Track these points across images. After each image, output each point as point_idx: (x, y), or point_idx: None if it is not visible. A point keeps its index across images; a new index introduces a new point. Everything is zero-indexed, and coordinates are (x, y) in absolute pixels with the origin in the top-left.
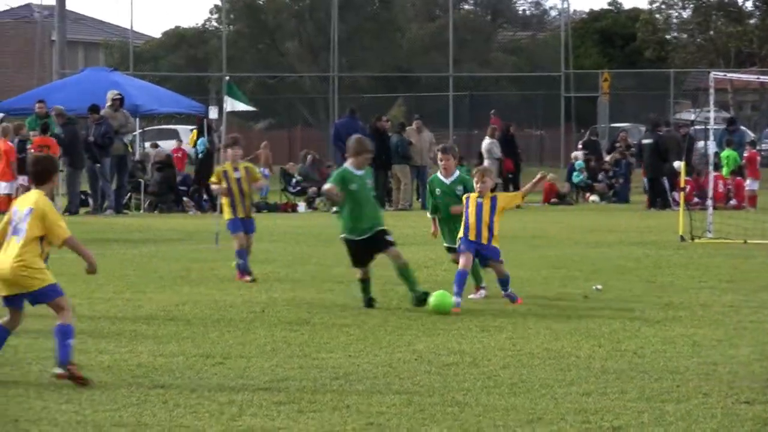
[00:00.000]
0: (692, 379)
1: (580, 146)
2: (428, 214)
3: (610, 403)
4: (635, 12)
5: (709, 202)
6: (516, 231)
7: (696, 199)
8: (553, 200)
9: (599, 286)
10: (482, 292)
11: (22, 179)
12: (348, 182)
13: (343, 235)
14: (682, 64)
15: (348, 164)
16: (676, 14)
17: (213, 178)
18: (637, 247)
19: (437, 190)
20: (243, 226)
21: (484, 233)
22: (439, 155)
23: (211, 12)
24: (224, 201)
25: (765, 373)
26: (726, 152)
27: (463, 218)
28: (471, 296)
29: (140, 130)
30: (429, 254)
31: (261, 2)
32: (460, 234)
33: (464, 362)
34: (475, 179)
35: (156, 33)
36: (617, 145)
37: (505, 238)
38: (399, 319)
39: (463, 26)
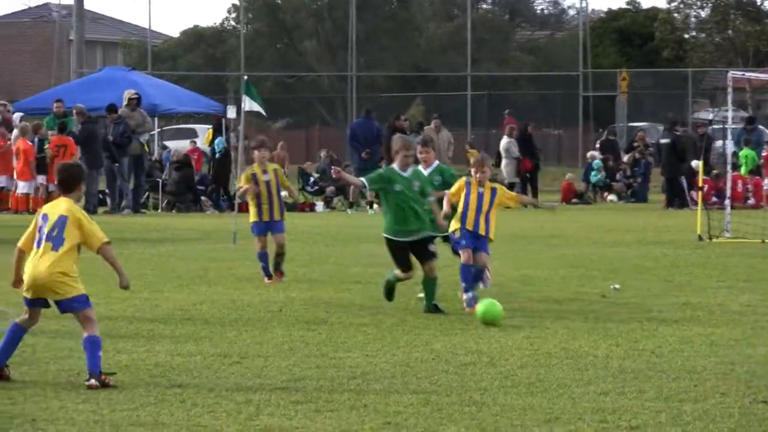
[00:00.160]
0: (710, 379)
1: (597, 146)
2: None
3: (627, 402)
4: (654, 11)
5: (727, 202)
6: (534, 230)
7: (714, 199)
8: (574, 200)
9: (617, 286)
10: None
11: (42, 179)
12: (392, 182)
13: (385, 235)
14: (701, 63)
15: (394, 164)
16: (695, 13)
17: (242, 181)
18: (655, 246)
19: (415, 183)
20: (270, 227)
21: (482, 224)
22: (419, 148)
23: (229, 11)
24: (251, 203)
25: None
26: (744, 151)
27: (462, 206)
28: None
29: (158, 130)
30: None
31: (279, 1)
32: (457, 225)
33: (482, 362)
34: (474, 168)
35: (174, 32)
36: (635, 144)
37: (523, 238)
38: (416, 319)
39: (481, 25)
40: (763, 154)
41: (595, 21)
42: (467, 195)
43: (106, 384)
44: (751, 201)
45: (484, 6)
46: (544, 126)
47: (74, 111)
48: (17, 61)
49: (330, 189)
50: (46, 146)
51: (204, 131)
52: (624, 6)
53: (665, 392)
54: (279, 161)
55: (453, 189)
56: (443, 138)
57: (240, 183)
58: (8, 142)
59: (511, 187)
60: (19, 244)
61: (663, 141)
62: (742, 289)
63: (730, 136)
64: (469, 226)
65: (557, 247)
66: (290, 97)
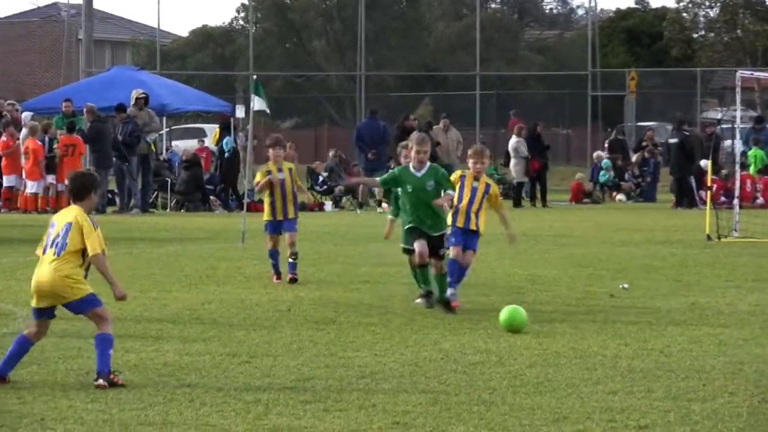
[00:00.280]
0: (718, 378)
1: (606, 145)
2: (389, 216)
3: (636, 402)
4: (662, 11)
5: (736, 201)
6: (542, 230)
7: (723, 198)
8: (585, 200)
9: (626, 285)
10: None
11: (51, 179)
12: (403, 183)
13: (406, 226)
14: (709, 63)
15: (409, 163)
16: (703, 13)
17: (258, 178)
18: (663, 246)
19: (408, 187)
20: (283, 226)
21: (473, 219)
22: (416, 147)
23: (238, 11)
24: (265, 201)
25: None
26: (753, 151)
27: (455, 201)
28: (417, 301)
29: (167, 129)
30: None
31: (288, 1)
32: (449, 221)
33: (490, 361)
34: (474, 159)
35: (183, 32)
36: (644, 144)
37: (532, 237)
38: (425, 318)
39: (490, 25)
40: None
41: (604, 20)
42: (461, 189)
43: (115, 383)
44: (760, 200)
45: (493, 5)
46: (552, 125)
47: (85, 109)
48: (26, 60)
49: (339, 188)
50: (56, 146)
51: (212, 131)
52: (633, 5)
53: (674, 392)
54: (288, 161)
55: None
56: (452, 137)
57: (257, 179)
58: (16, 142)
59: (520, 186)
60: (36, 251)
61: (672, 141)
62: (751, 289)
63: (738, 136)
64: (460, 223)
65: (566, 247)
66: (299, 97)
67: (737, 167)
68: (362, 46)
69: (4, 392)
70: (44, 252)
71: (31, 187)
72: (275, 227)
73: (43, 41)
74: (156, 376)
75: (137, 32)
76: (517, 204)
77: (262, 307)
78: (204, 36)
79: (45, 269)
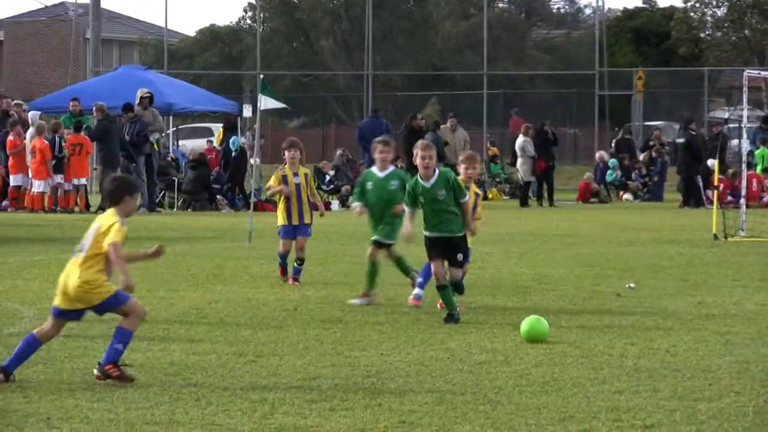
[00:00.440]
0: (724, 378)
1: (613, 144)
2: (357, 203)
3: (642, 401)
4: (670, 10)
5: (743, 201)
6: (549, 229)
7: (729, 198)
8: (592, 200)
9: (632, 285)
10: (367, 299)
11: (59, 178)
12: (417, 196)
13: (427, 237)
14: (716, 62)
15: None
16: (711, 12)
17: (272, 181)
18: (670, 245)
19: (369, 184)
20: (296, 231)
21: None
22: (380, 147)
23: (245, 10)
24: (280, 205)
25: None
26: (760, 150)
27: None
28: (353, 300)
29: (174, 128)
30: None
31: (295, 0)
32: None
33: (496, 360)
34: (465, 165)
35: (190, 31)
36: (651, 143)
37: (539, 237)
38: (431, 317)
39: (497, 24)
40: None
41: (611, 20)
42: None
43: (109, 375)
44: (766, 199)
45: (501, 5)
46: (560, 125)
47: (94, 108)
48: (34, 60)
49: (345, 188)
50: (63, 145)
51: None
52: (640, 5)
53: (680, 391)
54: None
55: None
56: (459, 137)
57: (271, 183)
58: (23, 142)
59: (527, 186)
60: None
61: (679, 140)
62: (758, 288)
63: (745, 135)
64: None
65: (573, 246)
66: (306, 96)
67: (744, 167)
68: (369, 46)
69: (11, 391)
70: (74, 254)
71: (37, 186)
72: (289, 232)
73: (51, 41)
74: (162, 375)
75: (145, 32)
76: (524, 203)
77: (268, 307)
78: (211, 35)
79: (70, 271)
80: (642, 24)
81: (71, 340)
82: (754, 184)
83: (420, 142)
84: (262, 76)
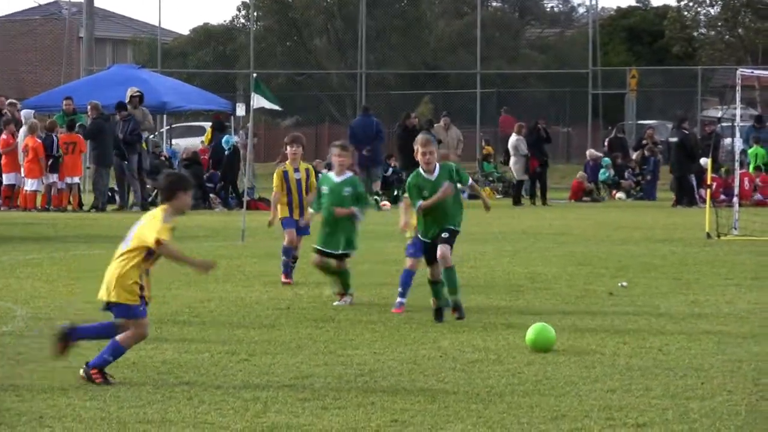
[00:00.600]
0: (717, 377)
1: (606, 143)
2: (310, 209)
3: (634, 400)
4: (663, 9)
5: (735, 200)
6: (542, 228)
7: (722, 197)
8: (585, 198)
9: (625, 283)
10: (347, 299)
11: (53, 177)
12: (421, 189)
13: (424, 239)
14: (710, 61)
15: (421, 169)
16: (704, 11)
17: (275, 181)
18: (663, 244)
19: (324, 188)
20: (296, 226)
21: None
22: (337, 151)
23: (239, 9)
24: (282, 199)
25: None
26: (753, 149)
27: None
28: (336, 303)
29: (167, 127)
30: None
31: None
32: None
33: (489, 359)
34: (421, 150)
35: (184, 30)
36: (644, 142)
37: (532, 235)
38: (424, 316)
39: (491, 23)
40: None
41: (605, 18)
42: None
43: (91, 379)
44: (758, 197)
45: (494, 3)
46: (553, 124)
47: (89, 106)
48: (27, 58)
49: None
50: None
51: None
52: (634, 4)
53: (672, 390)
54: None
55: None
56: (452, 136)
57: (275, 183)
58: (16, 140)
59: (520, 184)
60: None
61: (672, 139)
62: (750, 287)
63: (738, 134)
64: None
65: (565, 245)
66: (299, 95)
67: (737, 165)
68: (363, 44)
69: (3, 390)
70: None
71: (30, 185)
72: (291, 223)
73: (44, 39)
74: (155, 374)
75: (138, 30)
76: (517, 202)
77: (261, 306)
78: (205, 34)
79: (110, 265)
80: (635, 23)
81: None
82: (747, 182)
83: (420, 137)
84: (255, 75)
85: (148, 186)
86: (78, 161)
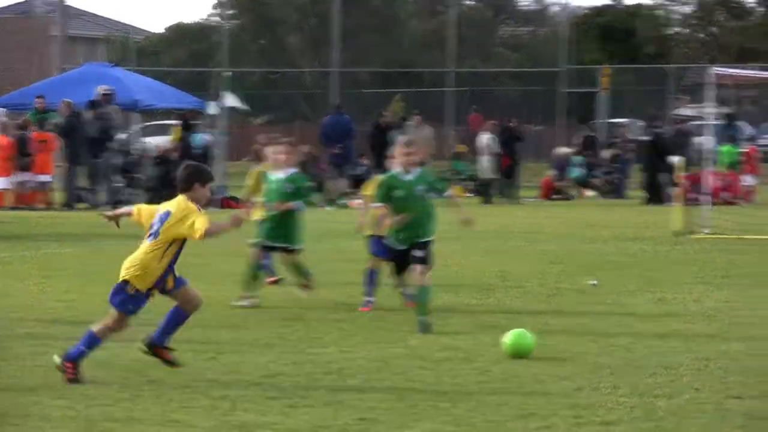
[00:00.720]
0: (684, 375)
1: (578, 141)
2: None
3: (602, 398)
4: (636, 7)
5: (706, 198)
6: (513, 226)
7: (693, 195)
8: (555, 197)
9: (594, 282)
10: (250, 301)
11: (26, 175)
12: (392, 189)
13: (393, 239)
14: (683, 59)
15: (396, 168)
16: (678, 9)
17: (249, 181)
18: (633, 242)
19: (271, 184)
20: None
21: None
22: (282, 148)
23: (213, 7)
24: (259, 201)
25: (757, 368)
26: (724, 148)
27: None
28: (239, 303)
29: (141, 125)
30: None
31: None
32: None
33: (457, 357)
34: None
35: (159, 28)
36: (616, 140)
37: (502, 233)
38: (392, 315)
39: (464, 22)
40: (744, 150)
41: (579, 17)
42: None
43: (64, 371)
44: (726, 195)
45: (468, 2)
46: (525, 122)
47: (62, 104)
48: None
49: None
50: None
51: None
52: (607, 2)
53: (640, 388)
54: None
55: (369, 190)
56: (425, 134)
57: (248, 183)
58: None
59: (490, 183)
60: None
61: (643, 138)
62: (720, 285)
63: (710, 133)
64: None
65: (536, 243)
66: (273, 93)
67: (708, 164)
68: (337, 43)
69: None
70: (144, 241)
71: (0, 183)
72: None
73: (17, 37)
74: (122, 372)
75: (112, 29)
76: (488, 201)
77: (230, 304)
78: (179, 32)
79: (137, 251)
80: (608, 21)
81: (32, 339)
82: (717, 181)
83: (404, 138)
84: (228, 73)
85: (118, 184)
86: (49, 159)
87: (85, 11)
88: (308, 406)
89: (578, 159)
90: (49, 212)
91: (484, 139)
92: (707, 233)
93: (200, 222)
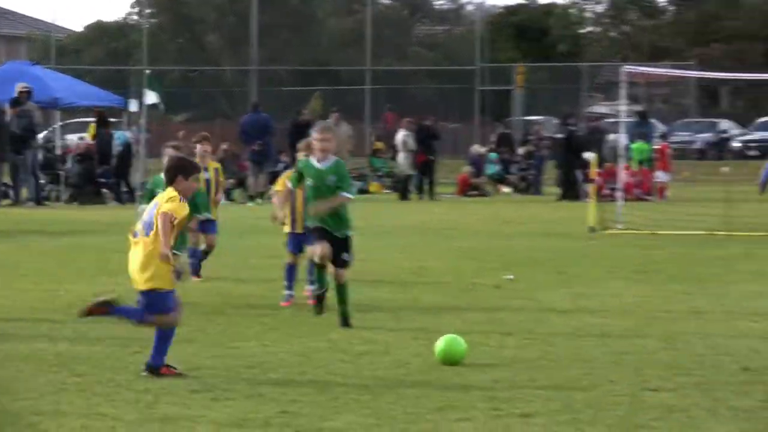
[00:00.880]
0: (601, 368)
1: (493, 139)
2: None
3: (520, 391)
4: (550, 7)
5: (619, 194)
6: (429, 222)
7: (606, 191)
8: (472, 193)
9: (511, 276)
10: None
11: None
12: (304, 176)
13: (309, 224)
14: (596, 57)
15: (312, 156)
16: (591, 8)
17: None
18: (548, 238)
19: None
20: (204, 227)
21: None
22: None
23: (132, 5)
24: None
25: (671, 361)
26: (636, 145)
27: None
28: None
29: (61, 123)
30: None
31: None
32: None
33: (377, 351)
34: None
35: (78, 27)
36: (530, 137)
37: (419, 230)
38: (313, 310)
39: (381, 21)
40: (656, 147)
41: (493, 16)
42: None
43: (160, 374)
44: (638, 191)
45: (385, 1)
46: (441, 120)
47: None
48: None
49: (229, 181)
50: None
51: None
52: (521, 1)
53: (557, 381)
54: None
55: (278, 185)
56: (343, 132)
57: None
58: None
59: (407, 179)
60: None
61: (557, 135)
62: (634, 280)
63: (623, 130)
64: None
65: (452, 239)
66: (193, 91)
67: (621, 160)
68: (255, 41)
69: None
70: (135, 236)
71: None
72: (200, 225)
73: None
74: (48, 366)
75: (33, 27)
76: (405, 197)
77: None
78: (98, 31)
79: (135, 250)
80: (523, 20)
81: None
82: (630, 177)
83: (320, 125)
84: (148, 71)
85: (41, 181)
86: None
87: (6, 9)
88: (230, 399)
89: (494, 156)
90: None
91: (401, 136)
92: (621, 229)
93: (170, 207)
